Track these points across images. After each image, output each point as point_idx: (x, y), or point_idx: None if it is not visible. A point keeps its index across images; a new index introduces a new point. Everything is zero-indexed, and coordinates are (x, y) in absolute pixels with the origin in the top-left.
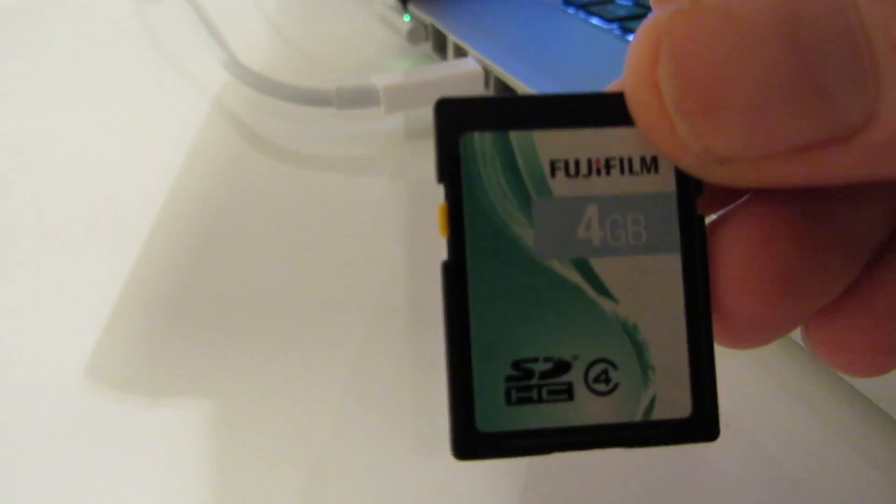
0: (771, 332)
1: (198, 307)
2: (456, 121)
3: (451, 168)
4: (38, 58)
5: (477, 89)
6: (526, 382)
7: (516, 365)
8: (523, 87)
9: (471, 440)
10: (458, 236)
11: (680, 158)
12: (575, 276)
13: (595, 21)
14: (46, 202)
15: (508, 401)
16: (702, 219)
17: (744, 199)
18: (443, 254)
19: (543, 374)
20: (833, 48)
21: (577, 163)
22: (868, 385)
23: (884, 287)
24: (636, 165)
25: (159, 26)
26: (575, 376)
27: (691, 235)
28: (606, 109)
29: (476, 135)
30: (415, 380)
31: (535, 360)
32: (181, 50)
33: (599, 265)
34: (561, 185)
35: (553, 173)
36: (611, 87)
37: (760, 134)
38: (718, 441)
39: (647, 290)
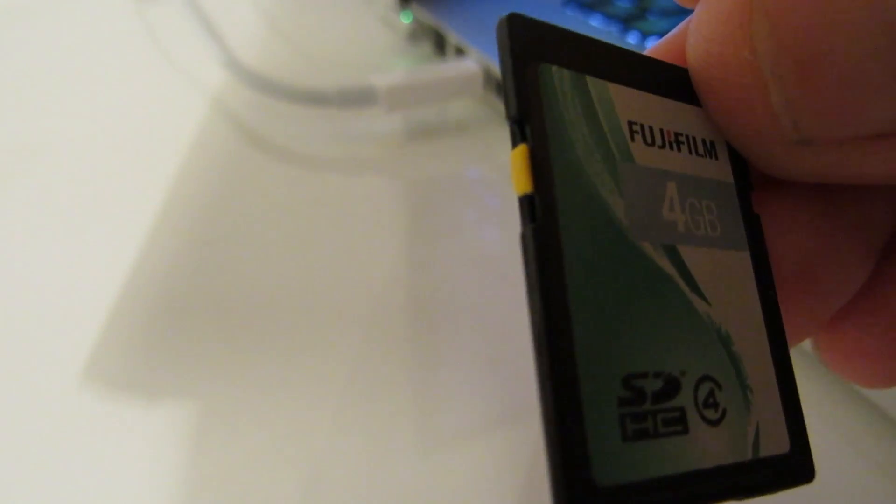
0: (792, 336)
1: (197, 307)
2: (532, 45)
3: (532, 100)
4: (36, 57)
5: (476, 90)
6: (640, 408)
7: (627, 382)
8: None
9: (589, 498)
10: (548, 192)
11: (758, 136)
12: (668, 266)
13: (595, 22)
14: (45, 202)
15: (625, 436)
16: (758, 217)
17: (760, 189)
18: (441, 255)
19: (656, 396)
20: None
21: (651, 130)
22: None
23: (894, 288)
24: (700, 147)
25: (159, 26)
26: (686, 399)
27: (755, 233)
28: (675, 81)
29: (554, 68)
30: (414, 380)
31: (646, 375)
32: (181, 50)
33: (687, 255)
34: (641, 152)
35: (632, 136)
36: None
37: (856, 110)
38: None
39: (731, 291)
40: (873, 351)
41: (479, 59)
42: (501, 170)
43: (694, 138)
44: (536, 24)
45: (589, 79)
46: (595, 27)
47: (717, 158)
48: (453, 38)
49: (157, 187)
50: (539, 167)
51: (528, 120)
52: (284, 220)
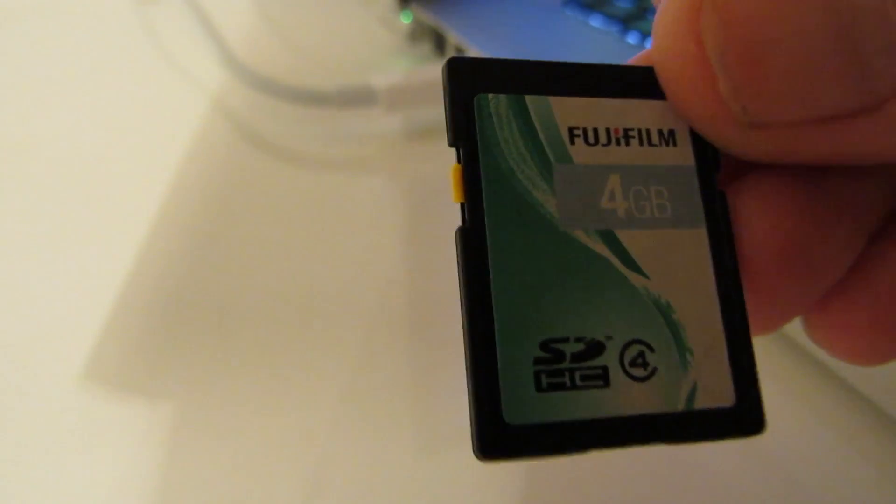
0: (781, 313)
1: (197, 307)
2: (469, 81)
3: (465, 127)
4: (36, 56)
5: None
6: (557, 366)
7: (545, 345)
8: None
9: (498, 435)
10: (476, 199)
11: (714, 121)
12: (602, 249)
13: (594, 22)
14: (45, 202)
15: (538, 387)
16: (723, 194)
17: (744, 173)
18: (440, 255)
19: (576, 357)
20: (867, 18)
21: (595, 131)
22: (868, 385)
23: (885, 265)
24: (654, 138)
25: (159, 26)
26: (610, 359)
27: (715, 210)
28: (627, 81)
29: (490, 96)
30: (415, 381)
31: (566, 340)
32: (180, 50)
33: (626, 237)
34: (581, 153)
35: (572, 140)
36: (631, 62)
37: (798, 96)
38: (715, 442)
39: (677, 265)
40: (862, 328)
41: None
42: None
43: (648, 130)
44: (475, 63)
45: (528, 98)
46: (595, 27)
47: (675, 145)
48: (453, 38)
49: (157, 187)
50: (468, 182)
51: (459, 145)
52: (284, 220)
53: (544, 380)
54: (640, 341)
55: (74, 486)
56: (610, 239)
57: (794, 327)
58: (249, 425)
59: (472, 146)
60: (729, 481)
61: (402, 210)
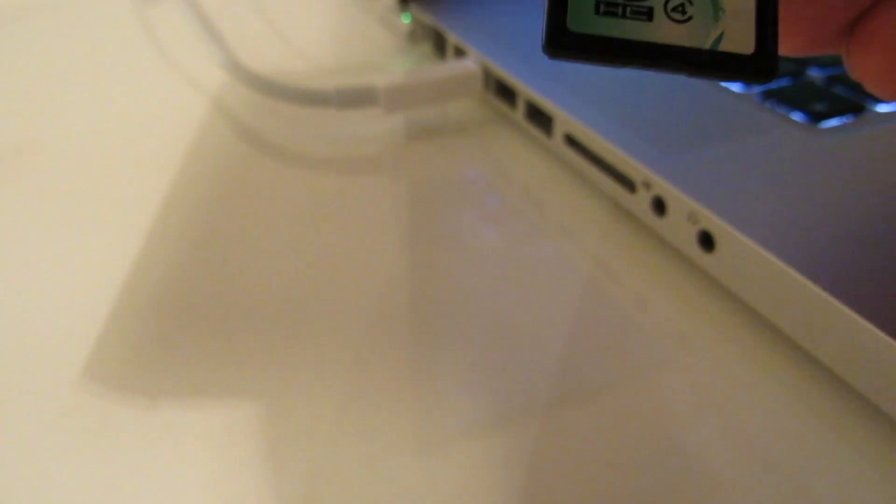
0: (814, 26)
1: (196, 308)
2: None
3: None
4: (36, 56)
5: (476, 90)
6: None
7: None
8: (523, 87)
9: (561, 36)
10: None
11: None
12: None
13: None
14: (44, 202)
15: (597, 11)
16: None
17: None
18: (441, 256)
19: None
20: None
21: None
22: (868, 385)
23: None
24: None
25: (158, 26)
26: (656, 2)
27: None
28: None
29: None
30: (415, 382)
31: None
32: (180, 50)
33: None
34: None
35: None
36: None
37: None
38: (715, 442)
39: None
40: (889, 48)
41: (478, 60)
42: (501, 170)
43: None
44: None
45: None
46: None
47: None
48: (453, 38)
49: (157, 187)
50: None
51: None
52: (284, 220)
53: (602, 6)
54: None
55: (74, 486)
56: None
57: (796, 329)
58: (249, 424)
59: None
60: (727, 482)
61: (402, 210)
